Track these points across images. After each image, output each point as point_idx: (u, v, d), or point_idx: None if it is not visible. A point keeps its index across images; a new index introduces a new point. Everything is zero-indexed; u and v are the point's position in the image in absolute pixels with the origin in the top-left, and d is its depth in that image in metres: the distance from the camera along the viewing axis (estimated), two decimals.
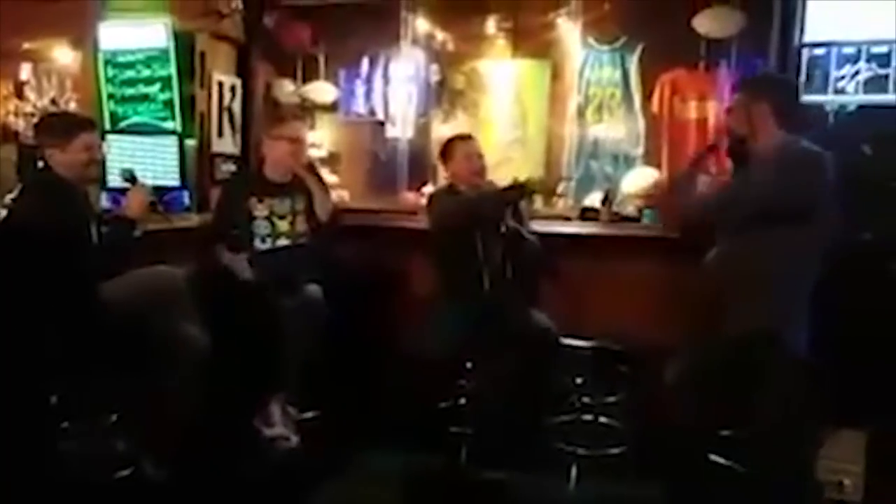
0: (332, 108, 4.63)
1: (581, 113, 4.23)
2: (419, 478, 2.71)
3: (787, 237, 2.25)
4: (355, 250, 3.46)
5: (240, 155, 4.01)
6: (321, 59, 4.54)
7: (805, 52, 3.11)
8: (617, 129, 4.20)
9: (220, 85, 3.87)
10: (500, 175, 3.26)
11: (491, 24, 4.39)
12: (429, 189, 3.93)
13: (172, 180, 3.72)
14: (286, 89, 4.43)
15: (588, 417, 2.93)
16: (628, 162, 4.16)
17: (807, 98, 3.07)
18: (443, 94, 4.53)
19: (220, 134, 3.90)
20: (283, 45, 4.33)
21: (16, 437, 2.34)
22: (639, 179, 3.74)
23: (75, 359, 2.39)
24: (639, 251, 3.19)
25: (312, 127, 4.61)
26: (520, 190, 2.88)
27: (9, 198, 2.95)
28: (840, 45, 3.05)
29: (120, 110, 3.92)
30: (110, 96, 3.93)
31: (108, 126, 3.88)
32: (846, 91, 3.05)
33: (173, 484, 2.59)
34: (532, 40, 4.32)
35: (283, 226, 3.18)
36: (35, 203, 2.57)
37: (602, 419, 2.94)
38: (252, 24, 4.00)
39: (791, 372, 2.27)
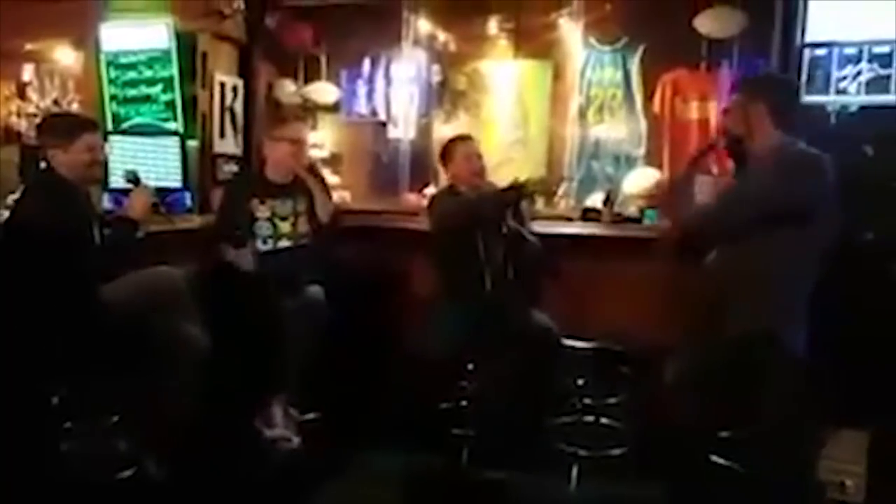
0: (333, 108, 4.63)
1: (582, 113, 4.23)
2: (421, 479, 2.72)
3: (785, 240, 2.24)
4: (357, 251, 3.46)
5: (242, 156, 4.02)
6: (323, 60, 4.55)
7: (807, 53, 3.11)
8: (618, 130, 4.20)
9: (222, 85, 3.88)
10: (502, 176, 3.26)
11: (493, 25, 4.39)
12: (430, 190, 3.94)
13: (174, 181, 3.72)
14: (288, 90, 4.43)
15: (589, 418, 2.93)
16: (630, 162, 4.16)
17: (808, 98, 3.07)
18: (444, 94, 4.53)
19: (222, 135, 3.90)
20: (285, 45, 4.34)
21: (18, 438, 2.34)
22: (640, 180, 3.74)
23: (77, 359, 2.39)
24: (640, 252, 3.18)
25: (314, 127, 4.61)
26: (519, 190, 2.88)
27: (11, 198, 2.98)
28: (842, 45, 3.05)
29: (122, 111, 3.92)
30: (112, 97, 3.93)
31: (110, 127, 3.89)
32: (848, 91, 3.05)
33: (175, 484, 2.59)
34: (534, 41, 4.32)
35: (285, 227, 3.18)
36: (37, 204, 2.57)
37: (603, 420, 2.94)
38: (254, 24, 4.01)
39: (790, 372, 2.27)
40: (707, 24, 3.65)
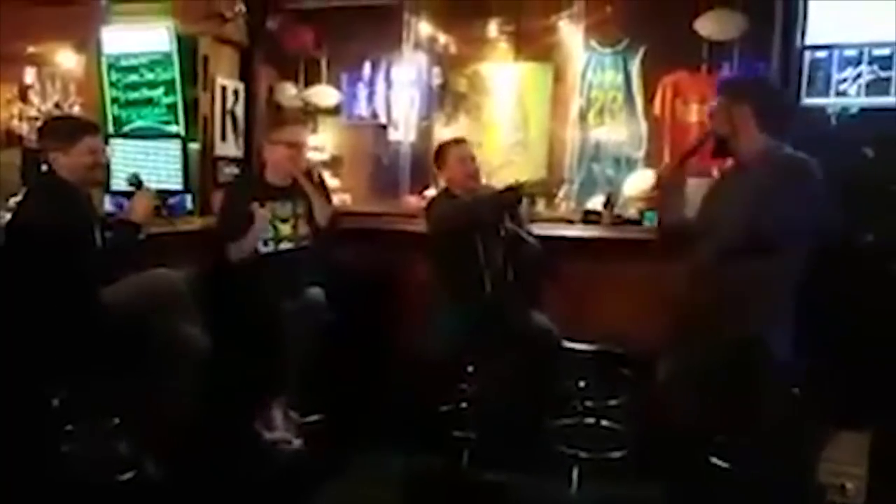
0: (334, 111, 4.64)
1: (583, 116, 4.23)
2: (421, 481, 2.72)
3: (772, 245, 2.22)
4: (357, 254, 3.46)
5: (243, 158, 4.03)
6: (323, 63, 4.55)
7: (807, 55, 3.11)
8: (619, 132, 4.20)
9: (223, 88, 3.89)
10: (503, 178, 3.27)
11: (493, 28, 4.39)
12: (431, 192, 3.94)
13: (175, 184, 3.73)
14: (289, 93, 4.44)
15: (590, 420, 2.93)
16: (630, 165, 4.16)
17: (809, 101, 3.07)
18: (445, 97, 4.53)
19: (223, 137, 3.91)
20: (286, 48, 4.34)
21: (19, 439, 2.35)
22: (640, 182, 3.74)
23: (78, 362, 2.40)
24: (640, 254, 3.18)
25: (315, 130, 4.62)
26: (516, 192, 2.88)
27: (13, 201, 2.98)
28: (842, 47, 3.05)
29: (123, 114, 3.93)
30: (114, 100, 3.94)
31: (111, 130, 3.90)
32: (848, 93, 3.05)
33: (175, 487, 2.59)
34: (534, 43, 4.32)
35: (286, 229, 3.19)
36: (39, 206, 2.58)
37: (604, 422, 2.94)
38: (255, 27, 4.02)
39: (777, 375, 2.26)
40: (708, 26, 3.65)
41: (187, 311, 2.69)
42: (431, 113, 4.51)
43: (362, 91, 4.57)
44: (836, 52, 3.06)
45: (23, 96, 4.93)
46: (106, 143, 3.18)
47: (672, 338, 2.47)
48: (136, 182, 2.80)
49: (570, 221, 3.57)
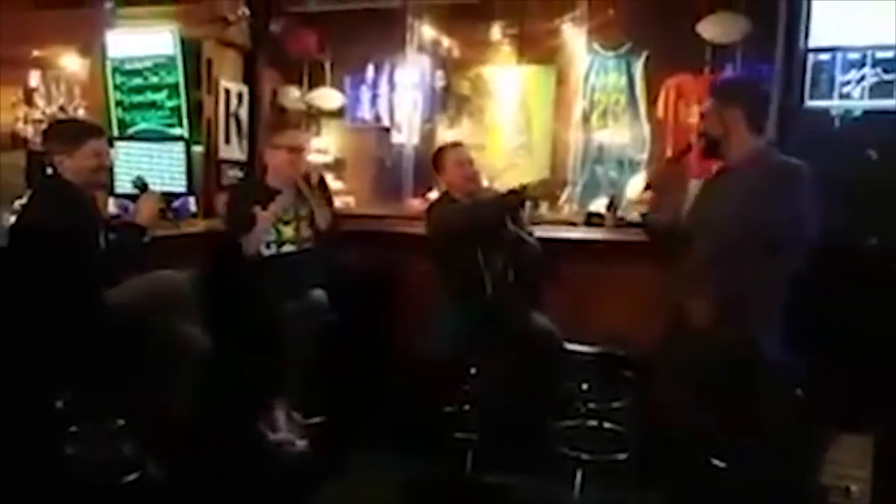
0: (337, 114, 4.66)
1: (586, 118, 4.25)
2: (424, 483, 2.72)
3: (764, 249, 2.22)
4: (360, 256, 3.46)
5: (246, 161, 4.04)
6: (327, 66, 4.57)
7: (810, 57, 3.11)
8: (622, 135, 4.21)
9: (227, 91, 3.90)
10: (506, 180, 3.27)
11: (496, 31, 4.41)
12: (434, 195, 3.94)
13: (179, 186, 3.74)
14: (292, 96, 4.46)
15: (593, 423, 2.93)
16: (633, 167, 4.17)
17: (812, 103, 3.07)
18: (448, 99, 4.55)
19: (227, 140, 3.92)
20: (290, 51, 4.36)
21: (23, 441, 2.35)
22: (643, 185, 3.74)
23: (82, 363, 2.40)
24: (643, 256, 3.18)
25: (318, 133, 4.63)
26: (518, 195, 2.88)
27: (18, 203, 3.00)
28: (845, 50, 3.05)
29: (128, 117, 3.95)
30: (118, 103, 3.96)
31: (115, 133, 3.91)
32: (852, 96, 3.06)
33: (179, 488, 2.60)
34: (537, 46, 4.33)
35: (288, 232, 3.19)
36: (44, 208, 2.59)
37: (607, 424, 2.93)
38: (258, 30, 4.03)
39: (770, 377, 2.26)
40: (710, 29, 3.65)
41: (191, 312, 2.70)
42: (434, 116, 4.53)
43: (365, 94, 4.58)
44: (839, 55, 3.06)
45: (28, 99, 4.95)
46: (110, 145, 3.19)
47: (669, 338, 2.47)
48: (141, 185, 2.81)
49: (574, 224, 3.56)
